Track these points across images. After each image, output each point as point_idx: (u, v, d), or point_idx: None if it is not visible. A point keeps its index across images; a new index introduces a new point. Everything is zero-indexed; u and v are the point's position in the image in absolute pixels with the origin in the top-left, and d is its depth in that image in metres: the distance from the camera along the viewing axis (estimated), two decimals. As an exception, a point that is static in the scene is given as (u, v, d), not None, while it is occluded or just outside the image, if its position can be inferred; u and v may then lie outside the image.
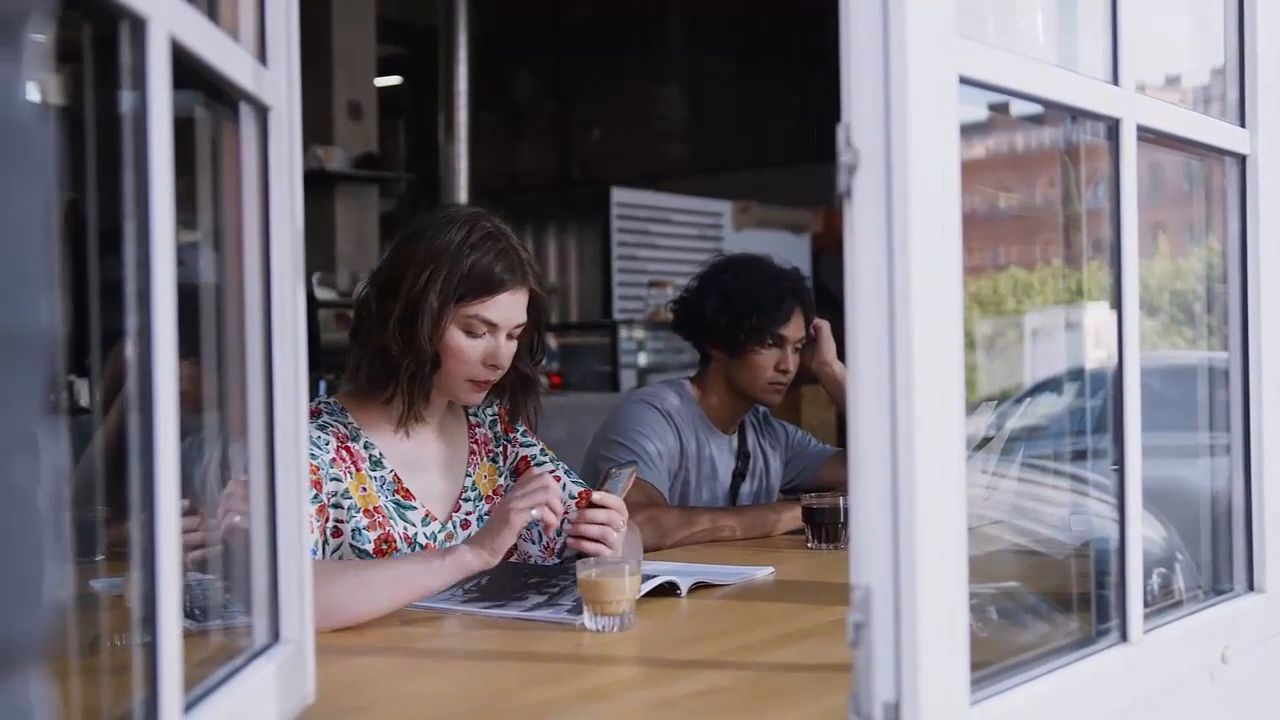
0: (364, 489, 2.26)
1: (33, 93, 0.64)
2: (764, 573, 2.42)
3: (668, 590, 2.17)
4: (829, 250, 8.62)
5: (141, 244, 1.03)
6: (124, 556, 1.15)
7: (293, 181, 1.43)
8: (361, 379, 2.30)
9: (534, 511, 2.05)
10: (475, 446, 2.46)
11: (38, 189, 0.63)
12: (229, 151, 1.39)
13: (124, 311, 1.04)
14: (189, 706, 1.11)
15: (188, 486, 1.09)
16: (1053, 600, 1.78)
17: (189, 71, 1.15)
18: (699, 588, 2.24)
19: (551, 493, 2.07)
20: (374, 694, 1.67)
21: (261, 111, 1.39)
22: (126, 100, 1.05)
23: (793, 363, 3.10)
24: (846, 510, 2.71)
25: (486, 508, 2.42)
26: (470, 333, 2.27)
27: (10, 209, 0.60)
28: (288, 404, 1.42)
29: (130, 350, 1.04)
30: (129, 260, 1.04)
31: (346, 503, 2.21)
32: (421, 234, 2.28)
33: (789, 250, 6.90)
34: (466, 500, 2.42)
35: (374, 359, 2.28)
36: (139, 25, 1.02)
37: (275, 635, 1.41)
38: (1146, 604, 1.60)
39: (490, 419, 2.51)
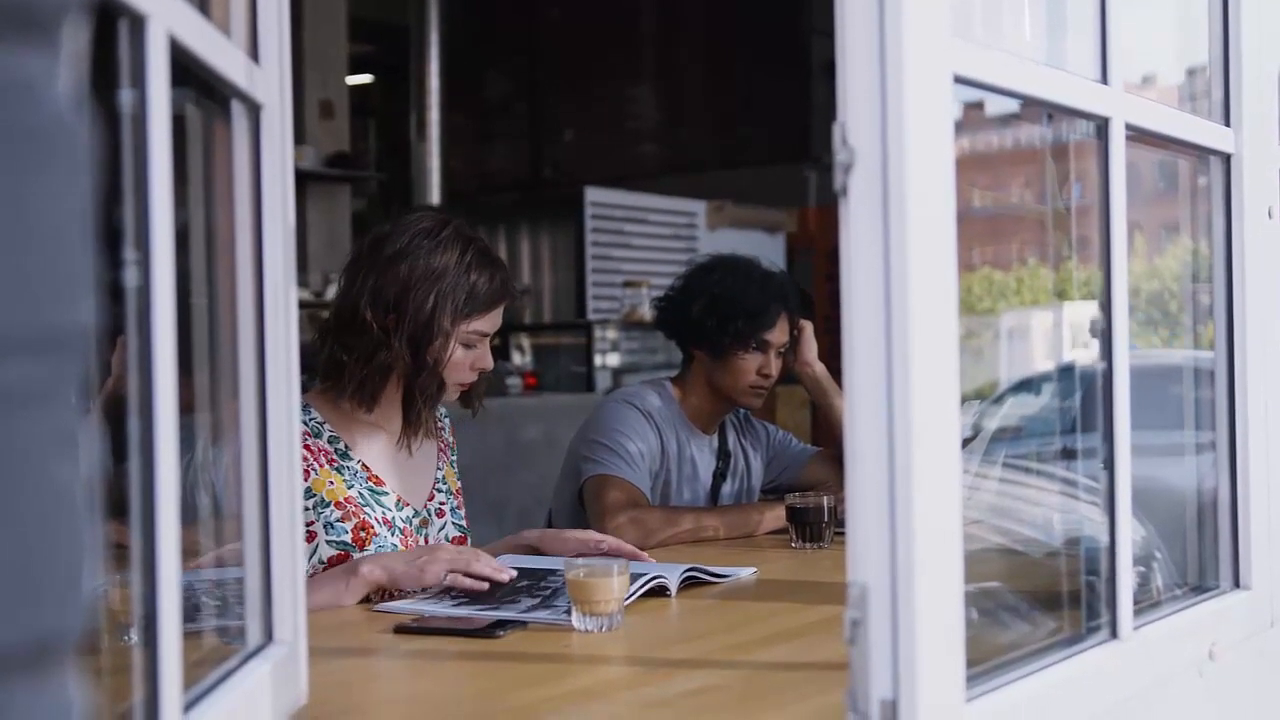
0: (331, 483, 2.32)
1: (71, 88, 0.64)
2: (748, 573, 2.42)
3: (656, 590, 2.17)
4: (803, 250, 8.64)
5: (141, 242, 1.03)
6: (113, 558, 1.14)
7: (284, 181, 1.42)
8: (364, 394, 2.33)
9: (448, 579, 2.15)
10: (442, 445, 2.56)
11: (78, 186, 0.62)
12: (219, 150, 1.38)
13: (111, 310, 1.04)
14: (187, 707, 1.11)
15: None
16: (1039, 598, 1.78)
17: (182, 69, 1.14)
18: (689, 585, 2.25)
19: (474, 567, 2.17)
20: (366, 695, 1.67)
21: (254, 109, 1.38)
22: (124, 97, 1.04)
23: (775, 367, 3.10)
24: (830, 510, 2.73)
25: (456, 502, 2.53)
26: (467, 345, 2.38)
27: (52, 206, 0.60)
28: (280, 404, 1.41)
29: (130, 348, 1.03)
30: (126, 259, 1.03)
31: (311, 500, 2.24)
32: (409, 252, 2.33)
33: (763, 250, 6.91)
34: (440, 491, 2.51)
35: (378, 374, 2.34)
36: (138, 22, 1.02)
37: (269, 636, 1.40)
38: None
39: (446, 427, 2.61)
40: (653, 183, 9.18)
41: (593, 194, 8.47)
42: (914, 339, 1.20)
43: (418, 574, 2.14)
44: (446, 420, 2.61)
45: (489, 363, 2.43)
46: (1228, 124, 1.88)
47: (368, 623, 2.02)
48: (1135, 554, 1.83)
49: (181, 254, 1.28)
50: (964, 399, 2.31)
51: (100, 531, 0.64)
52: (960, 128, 1.60)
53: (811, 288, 7.88)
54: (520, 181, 10.77)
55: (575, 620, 1.92)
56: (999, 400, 2.51)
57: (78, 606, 0.61)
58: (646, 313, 7.53)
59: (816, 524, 2.72)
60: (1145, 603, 1.76)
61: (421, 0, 8.92)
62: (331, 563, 2.26)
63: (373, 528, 2.32)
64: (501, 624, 1.93)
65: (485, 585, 2.16)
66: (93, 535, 0.62)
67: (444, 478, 2.53)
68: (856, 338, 1.22)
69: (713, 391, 3.14)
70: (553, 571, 2.24)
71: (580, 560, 2.01)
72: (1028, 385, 2.89)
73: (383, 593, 2.25)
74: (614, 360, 7.88)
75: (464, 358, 2.38)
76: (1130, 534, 1.59)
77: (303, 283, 7.58)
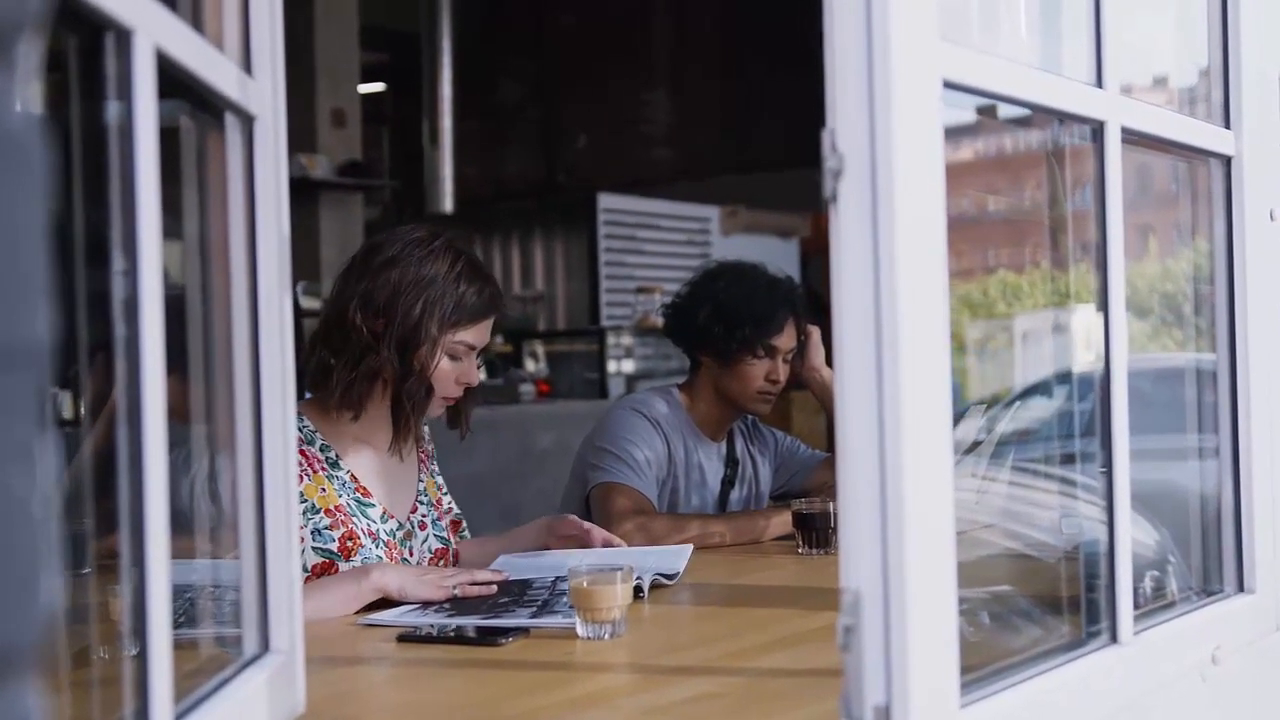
0: (323, 490, 2.34)
1: (27, 104, 0.64)
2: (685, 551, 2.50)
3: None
4: (817, 255, 8.63)
5: (128, 255, 1.03)
6: (111, 569, 1.15)
7: (279, 191, 1.43)
8: (351, 398, 2.35)
9: (456, 591, 2.19)
10: (423, 456, 2.58)
11: (34, 200, 0.63)
12: (214, 161, 1.39)
13: (109, 322, 1.04)
14: (179, 717, 1.11)
15: (175, 500, 1.09)
16: (1044, 602, 1.78)
17: (173, 81, 1.15)
18: (656, 587, 2.29)
19: (478, 578, 2.25)
20: (363, 704, 1.67)
21: (247, 121, 1.39)
22: (112, 110, 1.05)
23: (783, 373, 3.10)
24: (836, 515, 2.72)
25: (436, 514, 2.55)
26: (453, 357, 2.40)
27: (8, 220, 0.61)
28: (275, 415, 1.42)
29: (118, 362, 1.04)
30: (115, 270, 1.04)
31: (302, 505, 2.26)
32: (400, 260, 2.37)
33: (776, 255, 6.91)
34: (421, 503, 2.53)
35: (367, 379, 2.36)
36: (124, 36, 1.02)
37: (265, 645, 1.40)
38: (1138, 606, 1.60)
39: (426, 436, 2.64)
40: (666, 188, 9.18)
41: (606, 200, 8.47)
42: (904, 345, 1.20)
43: (426, 587, 2.16)
44: (426, 428, 2.63)
45: (475, 378, 2.46)
46: (1228, 126, 1.88)
47: (366, 632, 2.02)
48: (1150, 558, 1.82)
49: (177, 265, 1.29)
50: (978, 403, 2.30)
51: (56, 543, 0.64)
52: (974, 131, 1.60)
53: (825, 292, 7.87)
54: (533, 188, 10.77)
55: (579, 627, 1.92)
56: (1011, 403, 2.50)
57: (35, 618, 0.62)
58: (660, 319, 7.53)
59: (823, 529, 2.71)
60: (1158, 606, 1.76)
61: (432, 8, 8.93)
62: (316, 571, 2.28)
63: (359, 538, 2.34)
64: (505, 631, 1.93)
65: (494, 589, 2.21)
66: (51, 548, 0.63)
67: (425, 489, 2.56)
68: (847, 344, 1.22)
69: (720, 398, 3.14)
70: (530, 583, 2.28)
71: (584, 568, 2.00)
72: (1039, 388, 2.88)
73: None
74: (628, 366, 7.88)
75: (450, 369, 2.39)
76: (1129, 535, 1.58)
77: (315, 292, 7.58)
